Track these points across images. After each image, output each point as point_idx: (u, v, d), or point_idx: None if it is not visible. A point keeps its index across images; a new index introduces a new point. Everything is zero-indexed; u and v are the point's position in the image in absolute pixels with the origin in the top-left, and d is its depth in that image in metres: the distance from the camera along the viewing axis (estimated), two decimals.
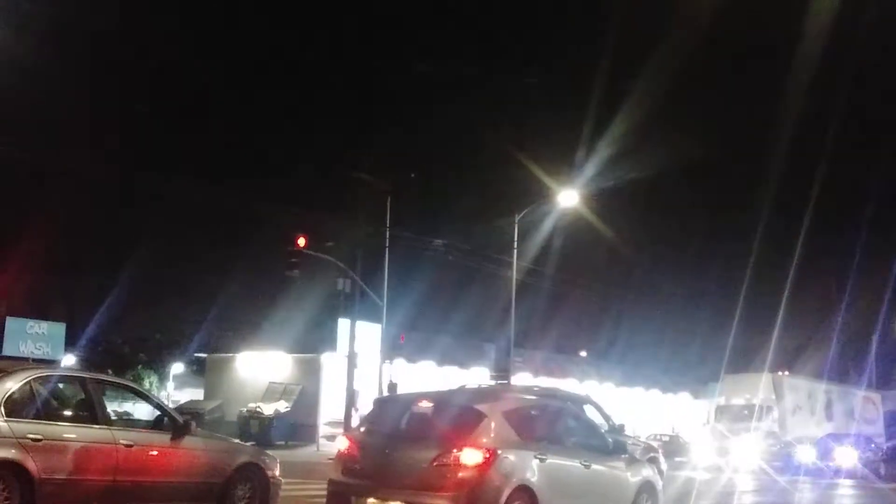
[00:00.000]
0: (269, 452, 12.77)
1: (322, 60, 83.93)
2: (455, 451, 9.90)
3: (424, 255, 41.49)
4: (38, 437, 9.62)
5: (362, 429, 11.87)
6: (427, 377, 46.36)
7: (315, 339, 42.31)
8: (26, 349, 52.59)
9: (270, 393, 41.99)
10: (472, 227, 45.15)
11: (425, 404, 11.33)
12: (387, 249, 36.14)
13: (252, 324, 44.51)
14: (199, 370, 58.49)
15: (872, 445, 39.61)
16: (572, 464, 10.98)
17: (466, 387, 15.15)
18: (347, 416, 35.07)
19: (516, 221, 37.55)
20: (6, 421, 9.51)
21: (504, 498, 9.79)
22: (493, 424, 10.26)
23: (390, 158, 37.72)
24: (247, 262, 50.41)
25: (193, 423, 11.57)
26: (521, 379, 42.34)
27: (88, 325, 62.48)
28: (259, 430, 39.58)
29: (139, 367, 70.89)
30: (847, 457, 35.37)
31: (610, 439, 12.39)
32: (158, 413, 11.38)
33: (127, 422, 11.29)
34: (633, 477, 11.86)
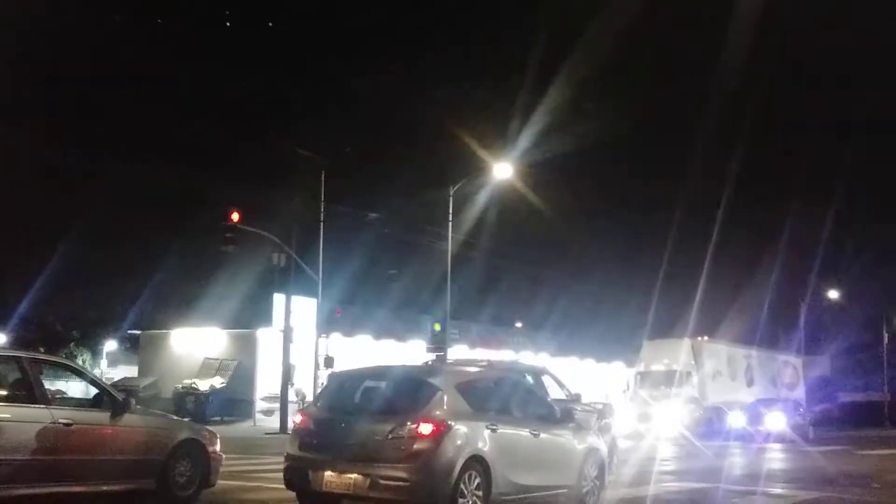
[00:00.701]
0: (209, 428, 12.72)
1: (255, 34, 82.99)
2: (410, 423, 10.28)
3: (360, 229, 41.51)
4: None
5: (318, 404, 12.15)
6: (364, 351, 46.49)
7: (250, 315, 42.14)
8: None
9: (206, 369, 41.80)
10: (408, 201, 45.31)
11: (380, 379, 11.94)
12: (321, 223, 36.06)
13: (186, 300, 44.13)
14: (132, 347, 58.00)
15: (801, 410, 40.87)
16: (522, 433, 11.45)
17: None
18: (284, 391, 35.07)
19: (451, 194, 37.69)
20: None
21: (458, 467, 10.22)
22: (445, 397, 10.68)
23: (326, 133, 37.60)
24: (181, 237, 49.94)
25: (132, 401, 11.50)
26: (458, 351, 42.63)
27: (19, 303, 61.58)
28: (195, 406, 39.42)
29: (72, 344, 70.06)
30: (777, 421, 36.07)
31: (558, 409, 12.83)
32: (96, 391, 11.25)
33: (64, 400, 11.27)
34: (580, 444, 12.34)
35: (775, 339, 61.72)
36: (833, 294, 60.56)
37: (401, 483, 10.12)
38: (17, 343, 67.81)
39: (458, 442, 10.38)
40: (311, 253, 36.24)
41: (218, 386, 40.23)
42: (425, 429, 10.21)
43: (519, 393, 12.57)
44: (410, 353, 46.24)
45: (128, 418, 11.06)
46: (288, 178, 36.45)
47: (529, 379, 15.28)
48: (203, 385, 39.93)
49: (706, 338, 44.99)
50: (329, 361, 36.58)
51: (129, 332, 54.72)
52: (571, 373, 55.58)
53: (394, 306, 48.20)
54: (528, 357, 58.44)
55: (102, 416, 10.85)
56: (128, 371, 56.67)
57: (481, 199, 39.30)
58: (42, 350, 68.53)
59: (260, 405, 40.93)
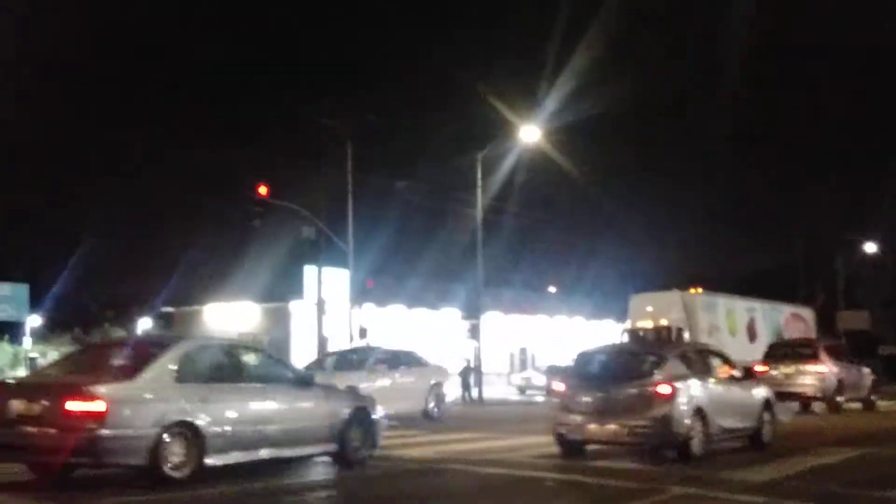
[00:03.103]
0: (371, 396, 14.52)
1: (280, 8, 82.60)
2: (651, 385, 13.66)
3: (389, 198, 41.21)
4: (205, 397, 11.24)
5: (572, 375, 15.22)
6: (397, 320, 46.36)
7: (282, 288, 42.07)
8: None
9: None
10: (437, 168, 44.91)
11: (618, 354, 16.53)
12: (349, 194, 35.75)
13: (218, 275, 44.14)
14: (166, 324, 58.11)
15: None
16: (722, 388, 15.06)
17: None
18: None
19: (479, 159, 37.23)
20: (178, 384, 11.15)
21: (688, 416, 13.51)
22: (672, 364, 14.14)
23: (352, 102, 37.25)
24: (211, 213, 49.86)
25: (314, 376, 13.94)
26: (492, 317, 42.29)
27: (53, 284, 61.92)
28: None
29: (106, 324, 70.50)
30: None
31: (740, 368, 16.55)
32: (283, 370, 13.22)
33: (264, 378, 12.62)
34: (758, 395, 15.82)
35: (812, 293, 61.19)
36: (870, 247, 59.51)
37: (648, 430, 13.39)
38: (52, 324, 68.52)
39: (685, 397, 13.64)
40: (340, 224, 35.99)
41: None
42: (663, 389, 13.53)
43: (714, 358, 15.97)
44: (443, 321, 46.05)
45: (314, 392, 13.05)
46: (316, 149, 36.13)
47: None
48: None
49: (700, 289, 41.92)
50: (363, 332, 36.37)
51: (163, 309, 54.82)
52: (609, 336, 55.41)
53: (426, 275, 48.00)
54: (564, 321, 58.17)
55: (296, 392, 12.68)
56: None
57: (510, 162, 38.86)
58: (77, 330, 69.25)
59: None
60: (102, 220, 58.96)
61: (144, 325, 69.08)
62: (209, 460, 11.04)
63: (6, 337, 57.57)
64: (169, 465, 10.64)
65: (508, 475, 12.15)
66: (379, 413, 13.69)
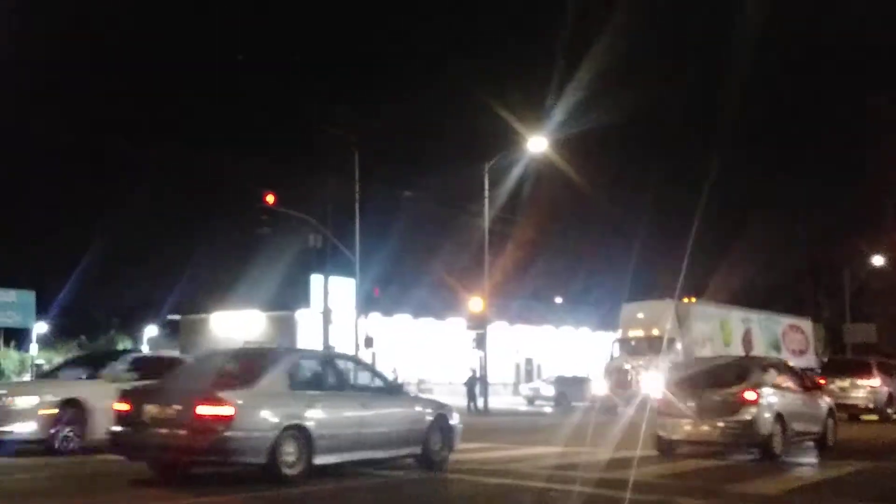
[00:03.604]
0: (449, 404, 15.30)
1: (289, 18, 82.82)
2: (739, 392, 15.83)
3: (396, 207, 41.26)
4: (313, 403, 12.37)
5: (671, 385, 17.10)
6: (403, 330, 46.37)
7: (288, 297, 42.12)
8: None
9: None
10: (444, 178, 44.94)
11: (716, 366, 19.04)
12: (356, 203, 35.80)
13: (224, 283, 44.18)
14: (172, 332, 58.19)
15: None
16: (797, 395, 17.27)
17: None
18: None
19: (486, 170, 37.24)
20: (290, 391, 12.41)
21: (771, 419, 15.72)
22: (757, 374, 16.51)
23: (359, 113, 37.30)
24: (217, 222, 49.95)
25: (403, 385, 16.10)
26: (498, 328, 42.23)
27: (59, 291, 62.04)
28: None
29: (112, 331, 70.61)
30: None
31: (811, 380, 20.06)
32: (377, 379, 14.52)
33: (360, 387, 14.07)
34: (824, 403, 18.31)
35: (818, 305, 61.04)
36: (878, 260, 59.28)
37: (736, 431, 15.62)
38: (58, 331, 68.65)
39: (767, 403, 15.86)
40: (347, 233, 36.03)
41: None
42: (749, 395, 15.73)
43: (788, 371, 18.36)
44: (449, 331, 46.05)
45: (403, 399, 14.75)
46: (323, 159, 36.20)
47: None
48: None
49: (694, 299, 41.07)
50: (369, 341, 36.40)
51: (169, 317, 54.93)
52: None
53: (432, 284, 48.01)
54: (570, 332, 58.13)
55: (388, 399, 14.10)
56: None
57: (518, 173, 38.85)
58: (83, 338, 69.38)
59: None
60: (109, 228, 59.16)
61: (150, 332, 69.21)
62: (317, 460, 12.07)
63: (13, 343, 57.71)
64: (284, 463, 11.68)
65: (513, 485, 12.15)
66: (455, 419, 14.65)
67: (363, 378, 14.56)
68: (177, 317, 50.69)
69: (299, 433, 11.90)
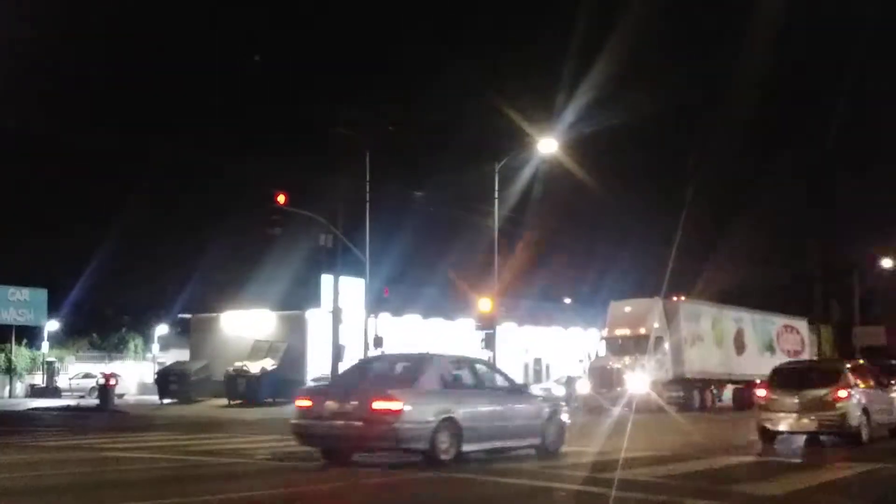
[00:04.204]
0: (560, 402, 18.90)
1: (301, 19, 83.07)
2: (834, 391, 18.95)
3: (406, 207, 41.41)
4: (460, 399, 14.90)
5: (772, 384, 20.14)
6: (413, 330, 46.49)
7: (299, 296, 42.26)
8: (9, 316, 52.65)
9: (256, 351, 41.96)
10: (455, 178, 45.08)
11: (813, 368, 23.01)
12: (367, 203, 35.99)
13: (235, 283, 44.37)
14: (183, 331, 58.44)
15: None
16: (881, 392, 20.96)
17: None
18: (334, 372, 35.09)
19: (497, 170, 37.42)
20: (443, 390, 14.91)
21: (860, 411, 18.86)
22: (848, 375, 19.60)
23: (371, 112, 37.39)
24: (228, 221, 50.18)
25: (528, 386, 20.00)
26: (507, 329, 42.31)
27: (71, 290, 62.40)
28: (246, 388, 39.63)
29: (123, 329, 70.86)
30: None
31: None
32: (503, 380, 17.06)
33: (493, 387, 16.51)
34: (893, 394, 21.81)
35: (827, 308, 61.00)
36: (887, 262, 59.26)
37: (831, 423, 18.79)
38: (69, 329, 69.00)
39: (857, 399, 19.00)
40: (357, 233, 36.20)
41: (269, 368, 40.36)
42: (842, 393, 18.88)
43: (867, 370, 21.36)
44: (459, 331, 46.20)
45: (526, 396, 17.52)
46: (334, 159, 36.36)
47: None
48: (254, 367, 40.10)
49: (683, 297, 39.95)
50: (378, 341, 36.57)
51: (180, 316, 55.15)
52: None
53: (442, 284, 48.17)
54: (579, 333, 58.19)
55: (514, 396, 16.68)
56: (179, 355, 57.16)
57: (528, 173, 39.02)
58: (94, 336, 69.67)
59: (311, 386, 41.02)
60: (120, 227, 59.42)
61: (161, 331, 69.51)
62: (464, 447, 14.40)
63: (24, 341, 58.05)
64: (440, 449, 13.96)
65: (521, 485, 12.30)
66: (565, 415, 17.12)
67: (495, 379, 16.97)
68: (187, 315, 50.90)
69: (451, 424, 14.20)
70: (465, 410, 14.60)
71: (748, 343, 43.21)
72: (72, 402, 42.92)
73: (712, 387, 39.51)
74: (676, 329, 38.03)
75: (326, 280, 37.80)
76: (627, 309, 38.84)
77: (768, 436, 19.29)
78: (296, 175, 37.09)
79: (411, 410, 13.81)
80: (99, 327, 71.06)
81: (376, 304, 37.40)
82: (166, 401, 41.89)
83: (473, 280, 44.01)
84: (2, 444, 18.49)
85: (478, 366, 17.09)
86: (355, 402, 14.04)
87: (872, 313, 60.83)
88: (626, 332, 37.65)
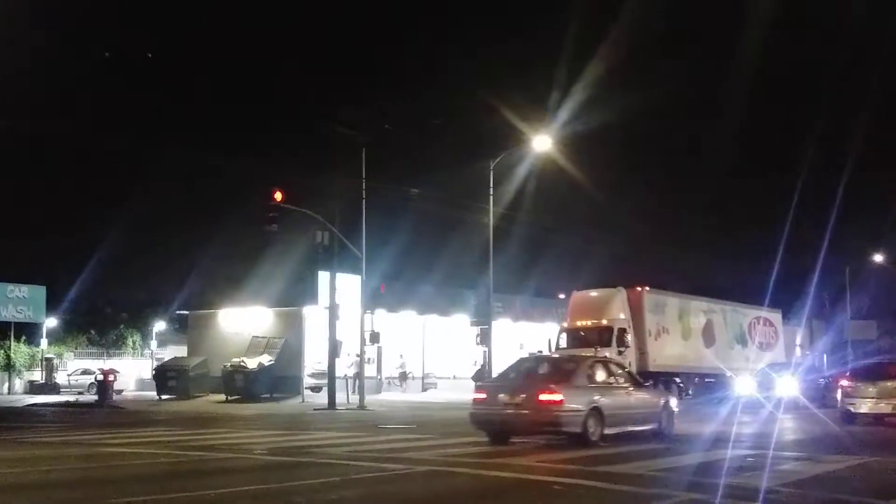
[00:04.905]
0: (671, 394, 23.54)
1: (298, 17, 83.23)
2: None
3: (402, 205, 41.66)
4: (602, 391, 18.16)
5: (853, 374, 25.51)
6: (408, 326, 46.82)
7: (296, 293, 42.50)
8: (7, 313, 52.96)
9: (253, 347, 42.26)
10: (449, 176, 45.39)
11: (882, 364, 27.03)
12: (363, 201, 36.25)
13: (232, 279, 44.62)
14: (181, 327, 58.69)
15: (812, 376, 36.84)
16: None
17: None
18: (331, 368, 35.41)
19: (491, 168, 37.69)
20: (589, 385, 18.13)
21: None
22: None
23: (366, 110, 37.63)
24: (226, 218, 50.48)
25: (648, 382, 23.28)
26: (501, 325, 42.63)
27: (69, 287, 62.69)
28: (244, 383, 39.92)
29: (121, 326, 71.08)
30: (788, 387, 32.92)
31: None
32: (629, 376, 20.70)
33: (621, 382, 19.58)
34: None
35: (822, 303, 61.37)
36: (879, 258, 59.65)
37: None
38: (69, 326, 69.24)
39: None
40: (354, 230, 36.46)
41: (266, 364, 40.68)
42: None
43: None
44: (454, 327, 46.53)
45: (646, 390, 20.55)
46: (330, 156, 36.60)
47: None
48: (251, 363, 40.40)
49: (647, 288, 38.41)
50: (375, 337, 36.94)
51: (178, 312, 55.41)
52: None
53: (437, 281, 48.47)
54: None
55: (636, 388, 19.88)
56: (177, 351, 57.46)
57: (522, 171, 39.27)
58: (93, 333, 69.92)
59: (307, 381, 41.33)
60: (118, 225, 59.69)
61: (159, 327, 69.74)
62: (607, 431, 17.57)
63: (23, 338, 58.27)
64: (590, 432, 17.16)
65: (515, 479, 12.52)
66: (675, 405, 20.59)
67: (624, 376, 20.18)
68: (185, 312, 51.14)
69: (597, 412, 17.43)
70: (607, 401, 17.85)
71: (718, 335, 42.20)
72: (70, 399, 43.13)
73: (678, 380, 37.76)
74: (640, 320, 37.13)
75: (323, 277, 38.04)
76: (589, 299, 37.91)
77: (850, 417, 23.94)
78: (292, 172, 37.44)
79: (569, 401, 17.12)
80: (97, 324, 71.30)
81: (372, 300, 37.68)
82: (164, 397, 42.17)
83: (468, 276, 44.35)
84: (1, 440, 18.79)
85: (611, 366, 20.45)
86: (524, 395, 17.36)
87: (864, 307, 61.25)
88: (587, 322, 36.59)
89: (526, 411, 17.04)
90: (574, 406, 17.10)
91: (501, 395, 17.66)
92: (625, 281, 38.55)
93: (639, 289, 37.97)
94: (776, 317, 48.35)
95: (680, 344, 39.29)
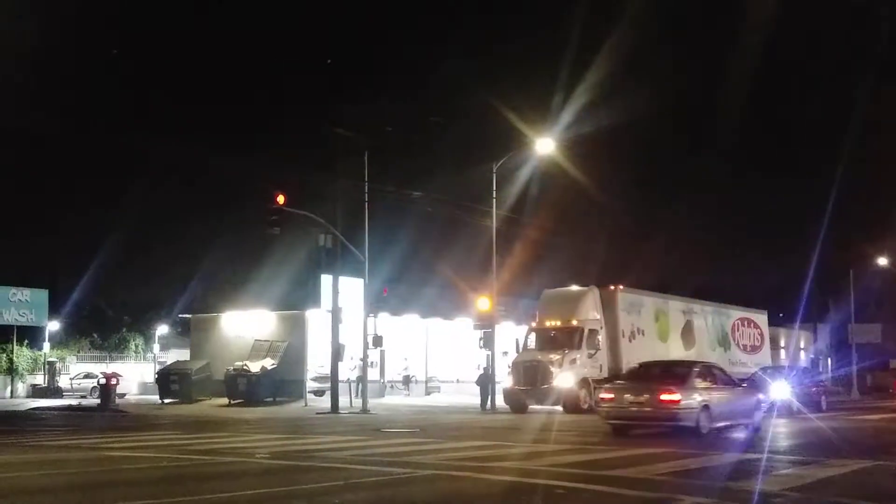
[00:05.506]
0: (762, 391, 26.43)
1: (300, 20, 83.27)
2: None
3: (405, 208, 41.59)
4: (709, 391, 21.36)
5: None
6: (412, 329, 46.75)
7: (298, 296, 42.47)
8: (10, 316, 52.97)
9: (256, 351, 42.21)
10: (452, 179, 45.33)
11: None
12: (366, 204, 36.18)
13: (235, 283, 44.63)
14: (183, 331, 58.68)
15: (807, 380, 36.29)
16: None
17: None
18: (334, 371, 35.33)
19: (494, 170, 37.60)
20: (699, 384, 21.43)
21: None
22: None
23: (369, 113, 37.60)
24: (228, 221, 50.45)
25: (743, 381, 27.18)
26: (505, 328, 42.55)
27: (72, 290, 62.69)
28: (247, 387, 39.88)
29: (124, 329, 71.07)
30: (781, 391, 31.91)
31: None
32: (729, 378, 23.64)
33: (722, 383, 22.65)
34: None
35: (825, 308, 61.24)
36: (882, 261, 59.44)
37: None
38: (71, 329, 69.22)
39: None
40: (357, 233, 36.38)
41: (269, 367, 40.63)
42: None
43: None
44: (457, 331, 46.42)
45: (743, 389, 23.84)
46: (333, 159, 36.56)
47: None
48: (254, 366, 40.36)
49: (621, 286, 37.08)
50: (378, 340, 36.84)
51: (180, 316, 55.41)
52: None
53: (440, 284, 48.38)
54: None
55: (737, 389, 23.22)
56: (179, 354, 57.42)
57: (526, 173, 39.20)
58: (95, 336, 69.91)
59: (310, 385, 41.26)
60: (121, 228, 59.68)
61: (162, 330, 69.74)
62: (714, 424, 20.76)
63: (26, 342, 58.28)
64: (701, 425, 20.27)
65: (518, 483, 12.45)
66: (766, 402, 24.15)
67: (725, 378, 23.30)
68: (188, 315, 51.12)
69: (707, 408, 20.59)
70: (714, 398, 21.03)
71: (699, 337, 40.84)
72: (73, 402, 43.12)
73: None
74: (613, 320, 35.94)
75: (326, 280, 37.98)
76: (560, 298, 36.81)
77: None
78: (295, 175, 37.29)
79: (685, 400, 20.30)
80: (100, 327, 71.30)
81: (375, 303, 37.59)
82: (167, 400, 42.14)
83: (472, 279, 44.23)
84: (4, 444, 18.74)
85: (714, 370, 23.57)
86: (647, 395, 20.71)
87: (868, 311, 61.07)
88: (557, 322, 35.46)
89: (648, 409, 20.51)
90: (689, 403, 20.28)
91: (627, 395, 21.07)
92: (623, 282, 38.21)
93: (612, 287, 36.84)
94: (762, 318, 47.09)
95: (657, 346, 37.64)
